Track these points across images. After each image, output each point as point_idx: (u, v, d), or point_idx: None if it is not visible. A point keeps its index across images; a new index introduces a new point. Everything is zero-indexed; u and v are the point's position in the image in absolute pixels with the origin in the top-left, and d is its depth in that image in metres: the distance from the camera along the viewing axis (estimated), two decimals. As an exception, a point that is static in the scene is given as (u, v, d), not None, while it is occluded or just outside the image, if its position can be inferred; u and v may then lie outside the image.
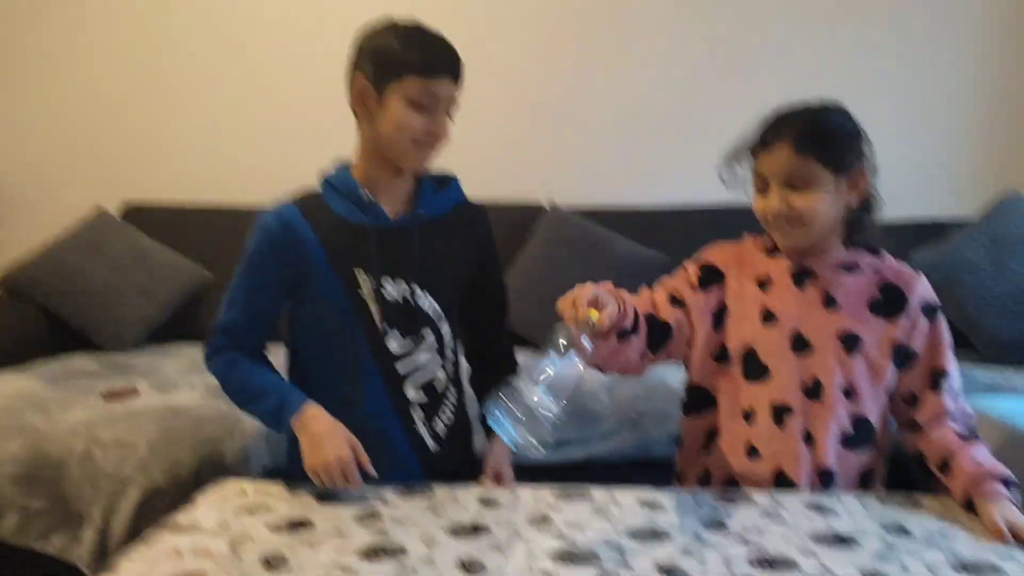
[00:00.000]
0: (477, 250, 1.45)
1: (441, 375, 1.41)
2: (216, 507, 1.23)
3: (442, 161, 1.42)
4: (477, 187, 1.52)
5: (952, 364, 1.32)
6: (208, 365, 1.37)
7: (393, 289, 1.35)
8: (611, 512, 1.20)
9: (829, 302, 1.32)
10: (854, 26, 3.08)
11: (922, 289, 1.32)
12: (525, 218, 2.82)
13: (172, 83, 3.15)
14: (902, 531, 1.13)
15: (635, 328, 1.23)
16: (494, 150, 2.99)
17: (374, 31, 1.32)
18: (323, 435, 1.25)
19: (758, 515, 1.19)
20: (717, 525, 1.15)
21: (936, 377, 1.31)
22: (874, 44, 3.07)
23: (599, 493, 1.28)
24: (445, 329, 1.40)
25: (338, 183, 1.37)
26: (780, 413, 1.31)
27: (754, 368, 1.34)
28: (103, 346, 2.56)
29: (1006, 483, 1.18)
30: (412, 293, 1.36)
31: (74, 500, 1.65)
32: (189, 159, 3.15)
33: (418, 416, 1.39)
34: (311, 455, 1.24)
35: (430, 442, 1.40)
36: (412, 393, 1.38)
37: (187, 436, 1.75)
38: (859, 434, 1.31)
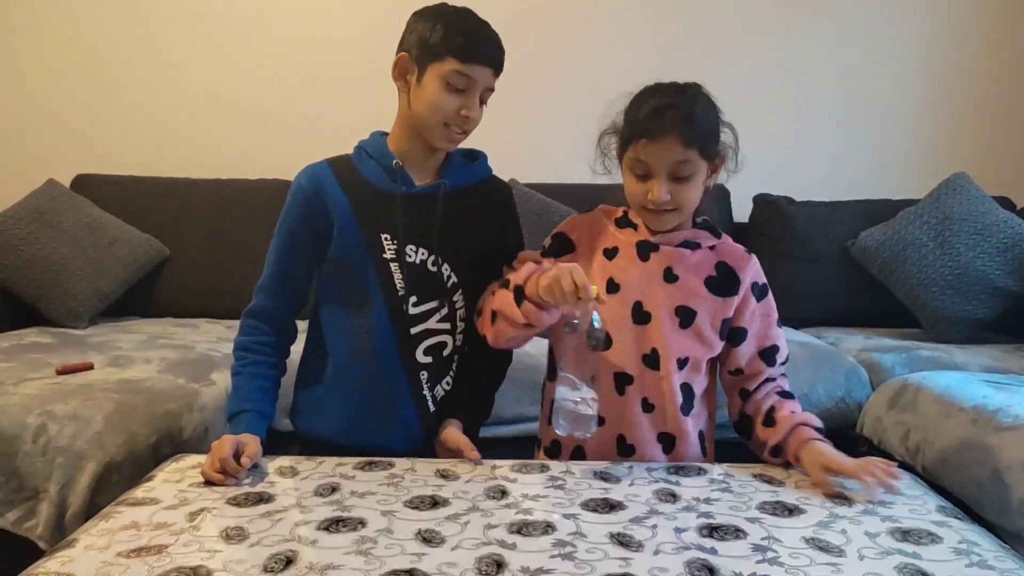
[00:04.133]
0: (499, 225, 1.50)
1: (450, 342, 1.45)
2: (175, 481, 1.24)
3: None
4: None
5: (781, 339, 1.42)
6: (236, 338, 1.45)
7: (415, 255, 1.40)
8: (567, 484, 1.23)
9: (669, 277, 1.37)
10: (810, 15, 3.14)
11: (753, 270, 1.40)
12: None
13: (131, 54, 3.09)
14: (843, 500, 1.18)
15: None
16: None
17: (425, 12, 1.36)
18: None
19: (709, 487, 1.23)
20: (669, 496, 1.19)
21: (768, 353, 1.41)
22: (828, 33, 3.15)
23: (556, 466, 1.31)
24: (459, 298, 1.45)
25: (371, 149, 1.43)
26: (621, 382, 1.37)
27: (596, 337, 1.37)
28: (57, 321, 2.51)
29: (819, 430, 1.30)
30: (432, 261, 1.41)
31: (29, 475, 1.63)
32: (143, 133, 3.10)
33: (424, 379, 1.43)
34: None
35: (431, 405, 1.45)
36: (422, 356, 1.43)
37: (144, 410, 1.74)
38: (688, 401, 1.38)
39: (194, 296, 2.74)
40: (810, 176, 3.15)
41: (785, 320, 2.77)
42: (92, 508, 1.55)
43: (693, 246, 1.39)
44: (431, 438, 1.45)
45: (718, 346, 1.39)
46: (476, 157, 1.50)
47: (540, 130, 3.12)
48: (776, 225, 2.87)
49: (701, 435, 1.42)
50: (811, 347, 2.35)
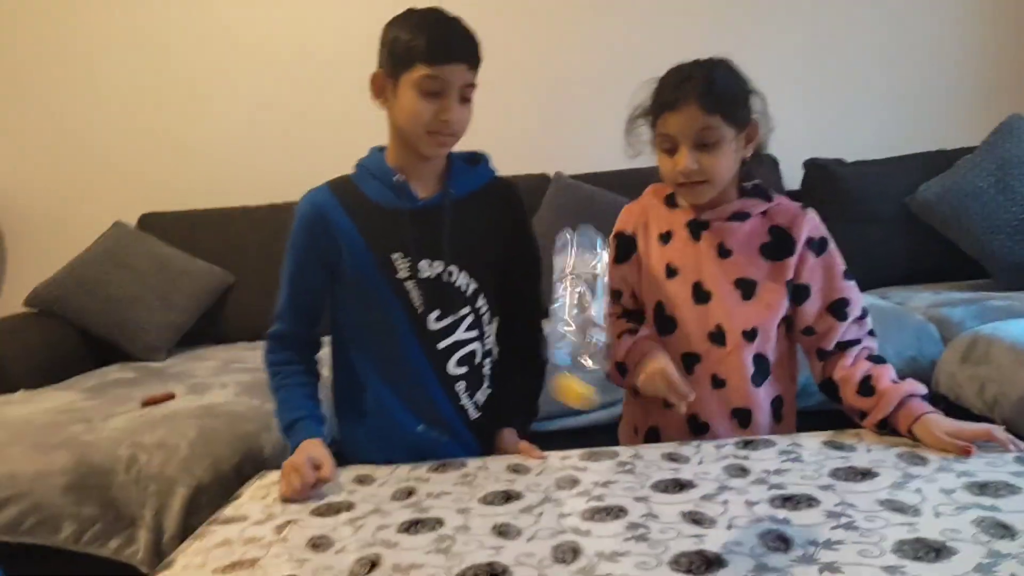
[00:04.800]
0: (509, 224, 1.48)
1: (479, 349, 1.44)
2: (260, 498, 1.29)
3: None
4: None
5: (851, 291, 1.37)
6: (265, 356, 1.47)
7: (429, 269, 1.38)
8: (636, 468, 1.25)
9: (723, 252, 1.37)
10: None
11: (808, 225, 1.37)
12: (533, 189, 2.86)
13: (180, 93, 3.19)
14: (918, 459, 1.17)
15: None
16: (500, 126, 3.03)
17: (391, 22, 1.33)
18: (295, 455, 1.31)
19: (778, 458, 1.23)
20: (739, 471, 1.19)
21: (837, 307, 1.36)
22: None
23: (624, 451, 1.33)
24: (481, 304, 1.43)
25: (371, 167, 1.41)
26: (689, 362, 1.38)
27: (663, 322, 1.41)
28: (135, 355, 2.63)
29: (924, 397, 1.26)
30: (448, 272, 1.39)
31: (124, 504, 1.71)
32: (203, 168, 3.20)
33: (461, 389, 1.42)
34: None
35: (472, 412, 1.44)
36: (454, 368, 1.41)
37: (225, 433, 1.81)
38: (760, 370, 1.38)
39: (262, 318, 2.79)
40: (861, 136, 3.09)
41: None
42: (186, 530, 1.62)
43: (743, 217, 1.37)
44: (486, 443, 1.44)
45: (783, 309, 1.37)
46: (479, 160, 1.47)
47: (579, 120, 3.13)
48: (829, 189, 2.82)
49: (779, 402, 1.41)
50: (877, 308, 2.31)
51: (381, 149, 1.43)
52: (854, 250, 2.79)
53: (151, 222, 3.01)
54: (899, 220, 2.73)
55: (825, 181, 2.85)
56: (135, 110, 3.19)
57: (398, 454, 1.38)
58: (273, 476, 1.38)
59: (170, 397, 2.07)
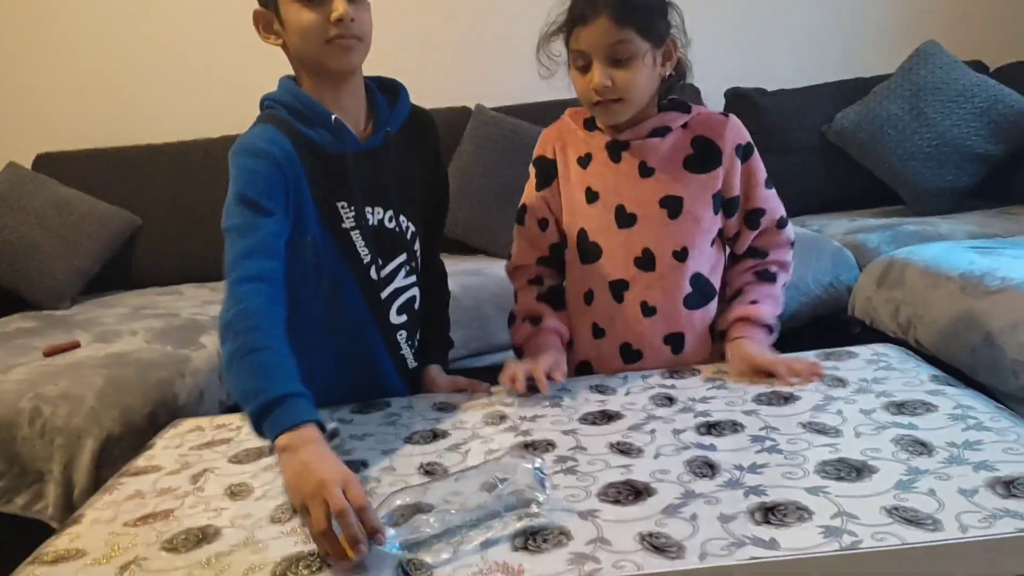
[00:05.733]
0: (431, 159, 1.41)
1: (417, 294, 1.38)
2: (175, 447, 1.24)
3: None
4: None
5: (768, 200, 1.35)
6: (231, 302, 1.09)
7: (372, 216, 1.29)
8: (563, 401, 1.23)
9: (645, 171, 1.32)
10: None
11: (733, 133, 1.32)
12: (453, 122, 2.78)
13: (75, 25, 2.99)
14: (838, 382, 1.19)
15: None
16: (417, 58, 2.94)
17: None
18: (314, 463, 0.92)
19: (704, 386, 1.23)
20: (665, 400, 1.19)
21: (751, 216, 1.35)
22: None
23: (552, 385, 1.30)
24: (418, 248, 1.37)
25: (300, 105, 1.25)
26: (617, 289, 1.35)
27: (586, 250, 1.37)
28: (37, 304, 2.48)
29: (768, 327, 1.31)
30: (389, 217, 1.31)
31: (30, 459, 1.64)
32: (98, 105, 3.03)
33: (402, 338, 1.36)
34: (299, 482, 0.91)
35: (411, 362, 1.39)
36: (396, 317, 1.35)
37: (136, 382, 1.73)
38: (697, 291, 1.34)
39: (174, 262, 2.71)
40: (781, 65, 3.09)
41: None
42: (97, 483, 1.55)
43: (663, 132, 1.32)
44: (415, 390, 1.39)
45: (714, 223, 1.34)
46: (396, 91, 1.35)
47: (499, 50, 3.04)
48: (750, 118, 2.79)
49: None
50: (796, 236, 2.34)
51: (292, 79, 1.29)
52: (774, 178, 2.85)
53: (47, 162, 2.82)
54: (817, 148, 2.77)
55: (747, 110, 2.84)
56: (24, 44, 2.97)
57: (326, 401, 1.24)
58: (188, 424, 1.33)
59: (75, 346, 1.97)
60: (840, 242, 2.34)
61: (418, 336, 1.42)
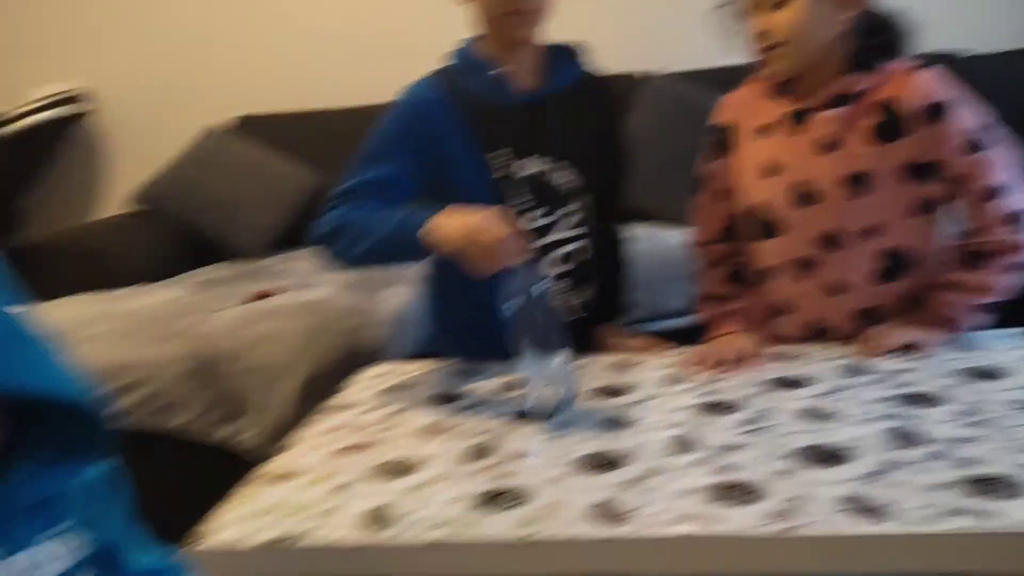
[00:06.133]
0: (603, 121, 1.44)
1: (585, 246, 1.40)
2: (369, 388, 1.32)
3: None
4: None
5: (975, 166, 1.17)
6: (318, 229, 1.29)
7: (533, 166, 1.34)
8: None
9: (828, 145, 1.22)
10: None
11: (919, 92, 1.18)
12: (625, 88, 2.75)
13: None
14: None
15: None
16: (574, 21, 2.91)
17: None
18: (469, 211, 1.12)
19: (900, 359, 1.18)
20: (855, 371, 1.15)
21: (957, 183, 1.19)
22: None
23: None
24: (585, 201, 1.39)
25: (468, 60, 1.35)
26: (799, 268, 1.27)
27: (764, 225, 1.29)
28: (238, 254, 2.69)
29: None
30: (551, 168, 1.35)
31: (235, 393, 1.79)
32: (297, 69, 3.15)
33: (565, 288, 1.38)
34: (455, 221, 1.12)
35: (578, 311, 1.40)
36: (559, 266, 1.38)
37: (332, 327, 1.85)
38: (892, 266, 1.23)
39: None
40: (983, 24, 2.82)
41: None
42: (296, 419, 1.67)
43: (848, 98, 1.20)
44: (581, 344, 1.36)
45: (914, 194, 1.20)
46: (573, 53, 1.41)
47: (670, 13, 2.92)
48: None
49: (921, 294, 1.24)
50: None
51: (473, 39, 1.37)
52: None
53: (250, 123, 3.02)
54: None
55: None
56: (234, 11, 3.17)
57: (495, 354, 1.30)
58: (382, 367, 1.41)
59: (277, 292, 2.12)
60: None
61: (587, 291, 1.42)
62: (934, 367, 1.13)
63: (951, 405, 1.00)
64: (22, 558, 0.57)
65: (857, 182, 1.20)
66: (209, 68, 3.19)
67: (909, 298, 1.25)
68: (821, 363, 1.19)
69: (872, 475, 0.85)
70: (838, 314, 1.27)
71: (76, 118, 3.13)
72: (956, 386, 1.06)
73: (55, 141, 3.10)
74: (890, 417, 0.98)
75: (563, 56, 1.40)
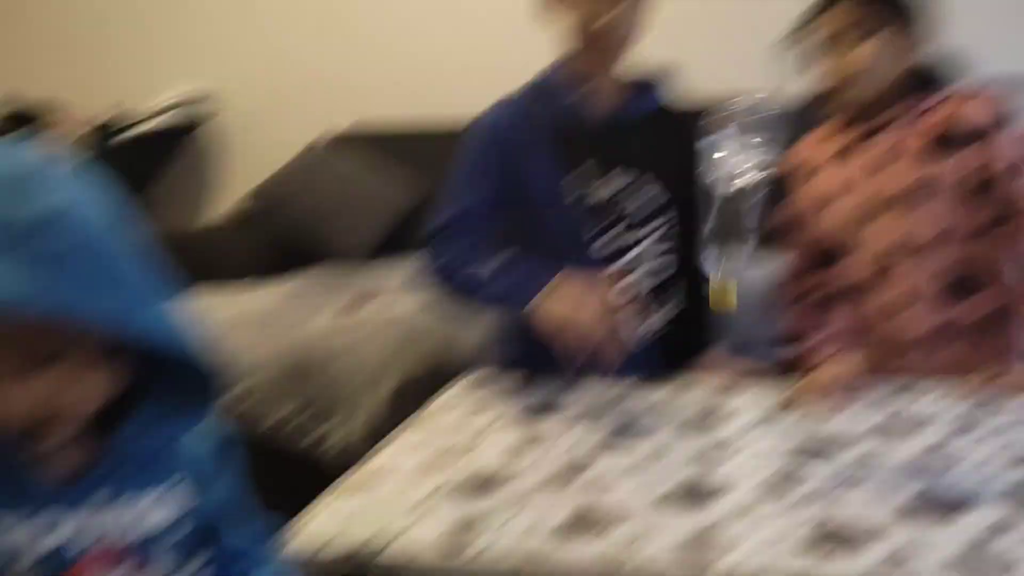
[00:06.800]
0: (683, 148, 1.41)
1: (669, 262, 1.40)
2: (462, 398, 1.32)
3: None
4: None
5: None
6: (435, 258, 1.35)
7: (614, 183, 1.36)
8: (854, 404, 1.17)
9: (897, 157, 1.30)
10: None
11: (969, 115, 1.27)
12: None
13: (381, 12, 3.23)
14: None
15: None
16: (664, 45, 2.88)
17: None
18: (576, 294, 1.18)
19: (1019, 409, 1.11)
20: (978, 415, 1.09)
21: (1006, 206, 1.26)
22: None
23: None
24: (670, 217, 1.39)
25: (553, 81, 1.39)
26: (878, 277, 1.32)
27: (845, 243, 1.35)
28: (338, 262, 2.75)
29: None
30: (633, 185, 1.36)
31: (326, 399, 1.81)
32: (406, 81, 3.19)
33: (648, 304, 1.38)
34: (559, 307, 1.18)
35: (662, 327, 1.40)
36: (640, 282, 1.38)
37: (425, 336, 1.87)
38: (958, 280, 1.28)
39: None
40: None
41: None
42: (387, 427, 1.69)
43: (913, 117, 1.30)
44: (675, 359, 1.39)
45: (974, 210, 1.28)
46: (657, 83, 1.43)
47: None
48: None
49: (997, 314, 1.30)
50: None
51: (559, 63, 1.40)
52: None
53: (361, 130, 3.09)
54: None
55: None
56: (349, 22, 3.24)
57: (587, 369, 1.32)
58: (474, 378, 1.41)
59: (372, 297, 2.15)
60: None
61: (672, 308, 1.40)
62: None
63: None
64: (129, 506, 0.59)
65: (924, 188, 1.28)
66: (324, 76, 3.26)
67: (986, 318, 1.29)
68: (937, 403, 1.13)
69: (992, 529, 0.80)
70: (918, 325, 1.29)
71: (198, 122, 3.27)
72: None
73: (177, 144, 3.24)
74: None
75: (645, 85, 1.43)
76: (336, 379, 1.80)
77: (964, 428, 1.06)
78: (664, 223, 1.39)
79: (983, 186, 1.27)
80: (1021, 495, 0.87)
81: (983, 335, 1.29)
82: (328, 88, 3.25)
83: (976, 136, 1.27)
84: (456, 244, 1.34)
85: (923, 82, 1.33)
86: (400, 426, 1.23)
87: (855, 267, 1.34)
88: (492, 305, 1.35)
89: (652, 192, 1.38)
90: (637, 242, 1.37)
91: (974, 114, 1.27)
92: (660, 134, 1.41)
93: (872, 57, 1.27)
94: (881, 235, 1.31)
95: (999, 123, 1.27)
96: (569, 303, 1.16)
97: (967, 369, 1.24)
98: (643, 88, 1.43)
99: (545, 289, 1.20)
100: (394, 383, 1.76)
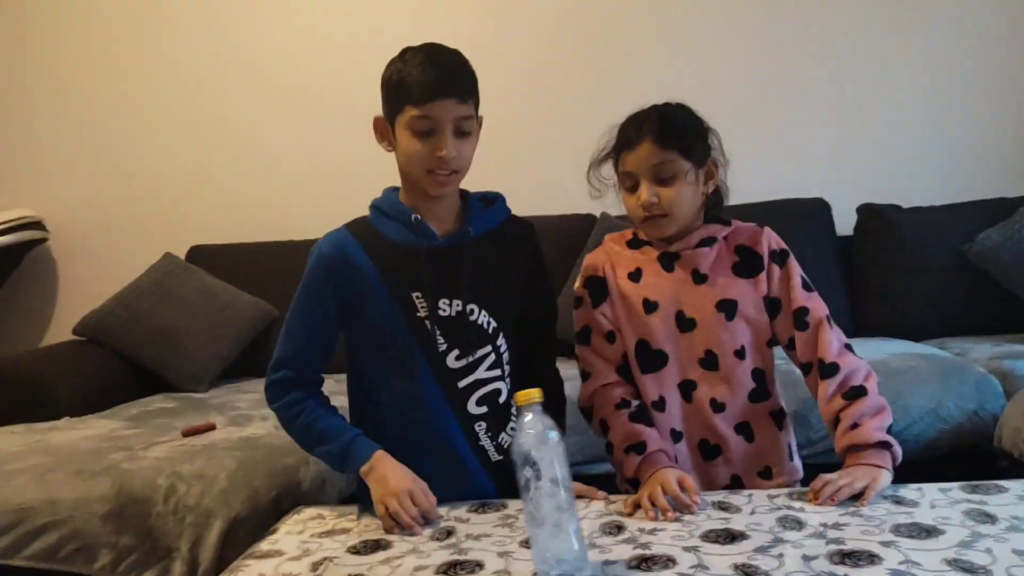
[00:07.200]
0: (525, 263, 1.47)
1: (504, 388, 1.42)
2: (296, 533, 1.27)
3: (489, 182, 1.48)
4: (529, 204, 1.54)
5: (810, 300, 1.40)
6: (270, 403, 1.42)
7: (449, 308, 1.37)
8: (684, 515, 1.20)
9: (699, 278, 1.41)
10: (892, 6, 3.01)
11: (767, 240, 1.43)
12: (579, 229, 2.84)
13: (227, 128, 3.26)
14: (986, 517, 1.10)
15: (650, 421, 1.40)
16: (541, 167, 3.05)
17: (388, 63, 1.34)
18: (388, 474, 1.29)
19: (836, 511, 1.17)
20: (794, 523, 1.14)
21: (799, 317, 1.39)
22: (917, 24, 3.00)
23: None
24: (502, 343, 1.41)
25: (386, 207, 1.41)
26: (686, 390, 1.42)
27: (651, 357, 1.42)
28: (179, 386, 2.64)
29: (884, 445, 1.26)
30: (468, 310, 1.37)
31: (161, 535, 1.70)
32: (247, 204, 3.25)
33: (482, 430, 1.40)
34: (377, 489, 1.28)
35: (494, 455, 1.41)
36: (475, 408, 1.39)
37: (264, 466, 1.79)
38: (760, 386, 1.42)
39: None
40: (918, 182, 2.98)
41: (903, 332, 2.62)
42: (221, 563, 1.59)
43: (709, 242, 1.42)
44: (508, 487, 1.33)
45: (765, 326, 1.41)
46: (494, 200, 1.47)
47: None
48: (884, 235, 2.76)
49: (780, 415, 1.44)
50: (935, 359, 2.23)
51: (395, 189, 1.43)
52: (909, 297, 2.75)
53: (199, 254, 3.04)
54: (956, 268, 2.64)
55: (880, 227, 2.78)
56: (185, 146, 3.27)
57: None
58: (309, 511, 1.37)
59: (211, 428, 2.07)
60: (984, 368, 2.20)
61: (509, 431, 1.42)
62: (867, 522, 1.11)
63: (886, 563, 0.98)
64: None
65: (726, 308, 1.40)
66: (162, 201, 3.26)
67: (772, 417, 1.43)
68: (760, 514, 1.17)
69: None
70: (724, 429, 1.40)
71: (30, 245, 3.12)
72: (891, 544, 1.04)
73: (8, 267, 3.08)
74: None
75: (483, 203, 1.45)
76: (172, 515, 1.69)
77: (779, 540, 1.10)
78: (494, 350, 1.40)
79: (776, 303, 1.40)
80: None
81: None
82: (164, 213, 3.24)
83: (771, 261, 1.41)
84: (288, 390, 1.40)
85: (711, 208, 1.45)
86: (233, 564, 1.17)
87: (668, 376, 1.41)
88: (322, 455, 1.41)
89: (484, 318, 1.39)
90: (472, 365, 1.38)
91: (768, 243, 1.42)
92: (500, 250, 1.42)
93: (677, 200, 1.35)
94: (693, 347, 1.40)
95: (787, 253, 1.42)
96: (383, 488, 1.27)
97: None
98: (483, 205, 1.45)
99: (364, 466, 1.31)
100: (233, 514, 1.67)
